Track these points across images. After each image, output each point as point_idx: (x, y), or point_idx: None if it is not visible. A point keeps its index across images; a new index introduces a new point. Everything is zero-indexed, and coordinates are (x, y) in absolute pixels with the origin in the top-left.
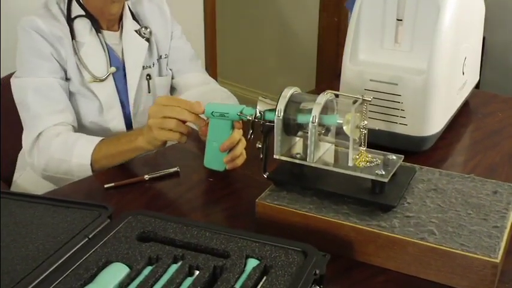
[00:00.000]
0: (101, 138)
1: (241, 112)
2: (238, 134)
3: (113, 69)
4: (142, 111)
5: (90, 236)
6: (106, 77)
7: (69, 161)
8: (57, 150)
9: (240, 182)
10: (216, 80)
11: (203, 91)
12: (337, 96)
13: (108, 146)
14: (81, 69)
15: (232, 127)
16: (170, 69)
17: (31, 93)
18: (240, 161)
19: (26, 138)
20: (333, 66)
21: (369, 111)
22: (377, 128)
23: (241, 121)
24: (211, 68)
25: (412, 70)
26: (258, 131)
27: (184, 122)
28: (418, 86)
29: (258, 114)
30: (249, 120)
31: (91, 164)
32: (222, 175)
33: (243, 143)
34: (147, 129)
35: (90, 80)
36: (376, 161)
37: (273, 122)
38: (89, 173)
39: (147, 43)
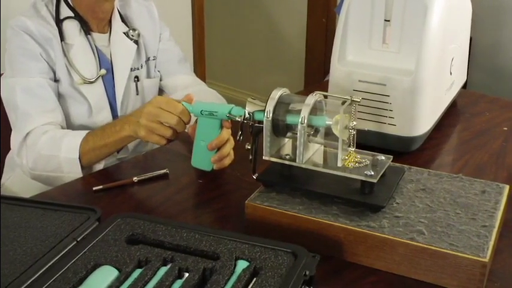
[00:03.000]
0: (87, 131)
1: (230, 112)
2: (226, 133)
3: (103, 71)
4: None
5: (78, 239)
6: (96, 79)
7: (57, 156)
8: (44, 146)
9: (229, 184)
10: (205, 82)
11: (191, 93)
12: (326, 97)
13: (95, 138)
14: (70, 71)
15: (221, 126)
16: (158, 71)
17: (20, 93)
18: (227, 161)
19: (15, 139)
20: (321, 67)
21: (358, 111)
22: (366, 129)
23: (230, 121)
24: (200, 69)
25: (400, 71)
26: (247, 132)
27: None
28: (406, 87)
29: (247, 115)
30: (238, 121)
31: (79, 158)
32: (212, 177)
33: (231, 143)
34: (135, 124)
35: (80, 81)
36: (365, 161)
37: (262, 123)
38: (78, 168)
39: (135, 45)
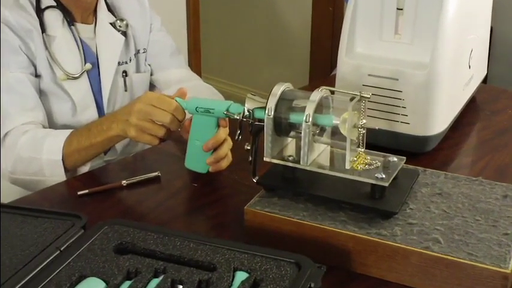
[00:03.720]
0: (71, 130)
1: (227, 110)
2: (223, 132)
3: (88, 66)
4: None
5: (62, 248)
6: (80, 75)
7: (39, 159)
8: (25, 147)
9: (227, 188)
10: (200, 76)
11: (185, 88)
12: (332, 93)
13: (79, 138)
14: (52, 66)
15: (218, 125)
16: (149, 65)
17: None
18: (224, 164)
19: None
20: (327, 60)
21: (368, 109)
22: (376, 128)
23: (227, 119)
24: (195, 62)
25: (414, 64)
26: (246, 131)
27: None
28: (421, 81)
29: (246, 112)
30: (237, 119)
31: (63, 160)
32: (207, 180)
33: (229, 143)
34: (125, 122)
35: (63, 77)
36: (376, 163)
37: (262, 121)
38: (61, 171)
39: (123, 37)
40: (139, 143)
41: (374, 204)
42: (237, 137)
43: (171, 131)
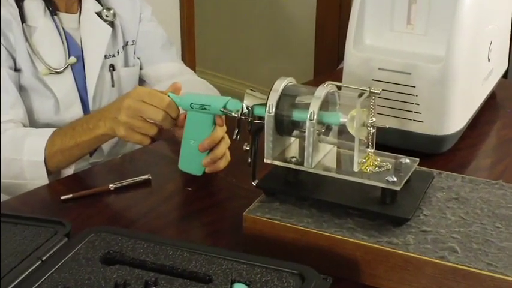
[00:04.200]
0: (54, 129)
1: (225, 107)
2: (220, 131)
3: (73, 59)
4: None
5: (43, 258)
6: (64, 69)
7: (19, 160)
8: (4, 148)
9: (224, 192)
10: (194, 70)
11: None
12: (339, 88)
13: (63, 137)
14: (33, 59)
15: (214, 123)
16: (138, 58)
17: None
18: (222, 164)
19: None
20: (334, 52)
21: (378, 106)
22: (387, 126)
23: (224, 117)
24: (189, 55)
25: (428, 57)
26: (245, 130)
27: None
28: (435, 76)
29: (245, 110)
30: (235, 117)
31: (45, 162)
32: (203, 183)
33: (227, 142)
34: (113, 120)
35: (45, 72)
36: (387, 165)
37: (263, 119)
38: (43, 174)
39: (110, 28)
40: (128, 143)
41: (385, 210)
42: (235, 137)
43: (164, 129)
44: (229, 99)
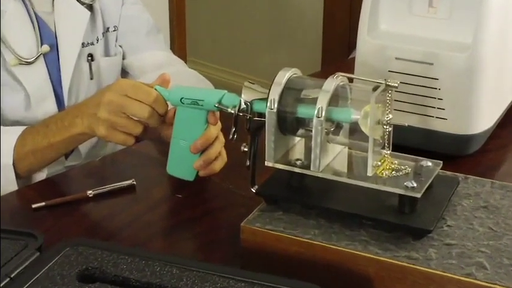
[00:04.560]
0: (24, 127)
1: (219, 102)
2: (215, 129)
3: (46, 48)
4: None
5: (12, 276)
6: (35, 59)
7: None
8: None
9: (218, 199)
10: (185, 60)
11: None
12: (351, 80)
13: (35, 137)
14: (1, 48)
15: (208, 120)
16: (120, 47)
17: None
18: (217, 166)
19: None
20: (344, 39)
21: (395, 101)
22: (406, 124)
23: (219, 113)
24: (179, 43)
25: (453, 45)
26: (243, 128)
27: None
28: (461, 66)
29: (243, 105)
30: (231, 113)
31: (14, 164)
32: (195, 189)
33: (221, 141)
34: (92, 117)
35: (14, 62)
36: (405, 169)
37: (263, 116)
38: (12, 178)
39: (88, 12)
40: (109, 144)
41: (403, 220)
42: (231, 136)
43: (150, 128)
44: (225, 93)
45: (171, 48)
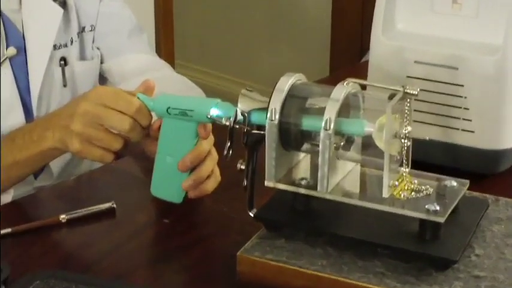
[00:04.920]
0: None
1: (211, 113)
2: (206, 144)
3: (12, 50)
4: None
5: None
6: (0, 63)
7: None
8: None
9: (211, 225)
10: (173, 65)
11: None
12: (364, 87)
13: None
14: None
15: (198, 133)
16: (98, 49)
17: None
18: (210, 186)
19: None
20: (356, 41)
21: (414, 111)
22: (427, 138)
23: (211, 125)
24: (165, 45)
25: (480, 46)
26: (239, 143)
27: None
28: (490, 71)
29: (239, 116)
30: (226, 125)
31: None
32: (183, 214)
33: (214, 157)
34: (64, 130)
35: None
36: (427, 189)
37: (263, 128)
38: None
39: (61, 9)
40: (84, 161)
41: (424, 248)
42: (225, 152)
43: (132, 142)
44: (218, 101)
45: (156, 51)
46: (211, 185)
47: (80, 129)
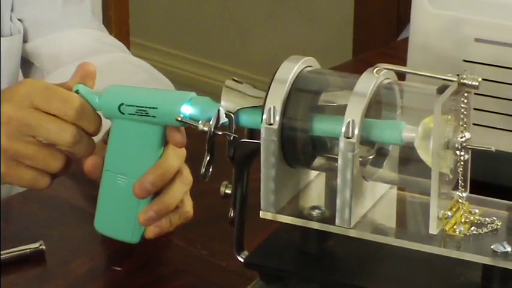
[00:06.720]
0: None
1: (182, 115)
2: (175, 158)
3: None
4: None
5: None
6: None
7: None
8: None
9: (183, 274)
10: (127, 44)
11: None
12: (401, 76)
13: None
14: None
15: (164, 142)
16: (20, 21)
17: None
18: (177, 221)
19: None
20: (390, 11)
21: (475, 109)
22: (493, 149)
23: (183, 129)
24: (116, 16)
25: None
26: (223, 156)
27: None
28: None
29: (223, 118)
30: (203, 131)
31: None
32: (141, 258)
33: (186, 179)
34: None
35: None
36: (493, 221)
37: (256, 136)
38: None
39: None
40: (8, 186)
41: None
42: (203, 170)
43: (75, 158)
44: (193, 96)
45: (104, 24)
46: (179, 220)
47: (2, 143)
